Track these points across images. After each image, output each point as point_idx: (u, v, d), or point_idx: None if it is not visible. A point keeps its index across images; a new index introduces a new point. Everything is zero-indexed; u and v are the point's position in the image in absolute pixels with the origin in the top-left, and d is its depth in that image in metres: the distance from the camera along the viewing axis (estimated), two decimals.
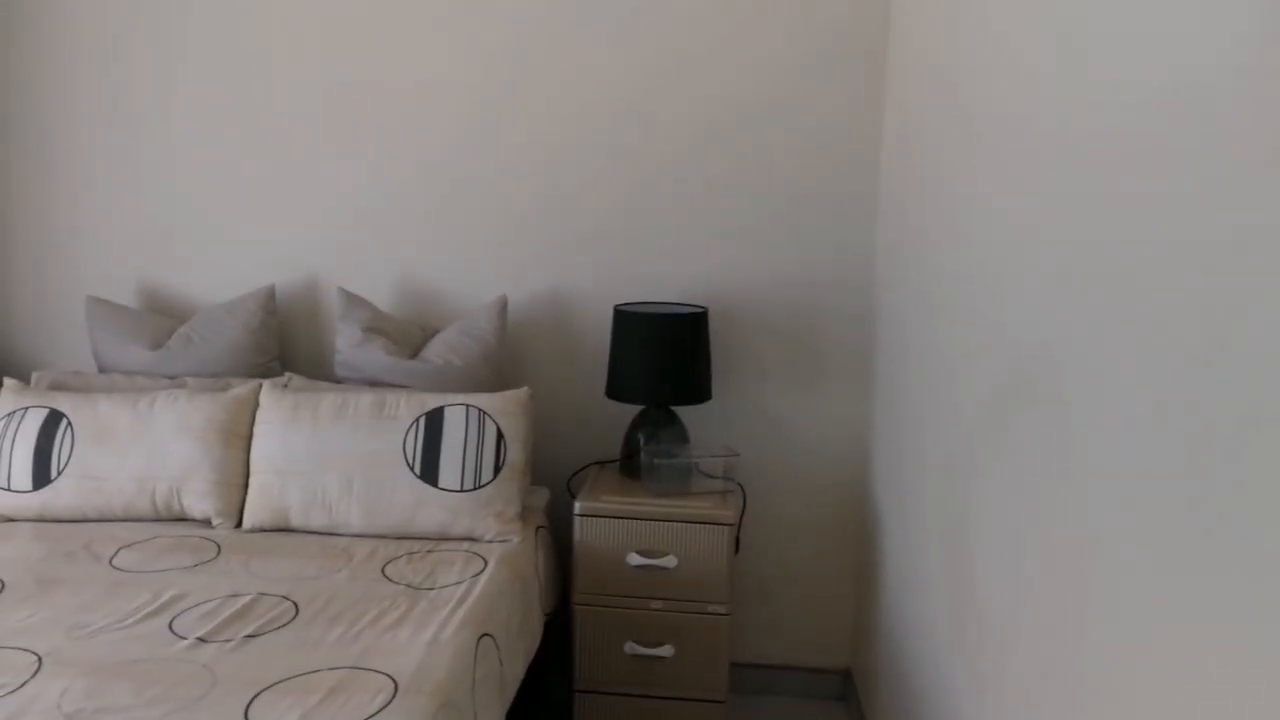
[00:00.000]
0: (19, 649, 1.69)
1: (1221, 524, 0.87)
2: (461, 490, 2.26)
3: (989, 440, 1.57)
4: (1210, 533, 0.89)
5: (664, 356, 2.43)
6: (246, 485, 2.33)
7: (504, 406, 2.36)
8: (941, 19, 1.99)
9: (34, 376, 2.53)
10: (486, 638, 1.89)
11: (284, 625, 1.82)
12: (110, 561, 2.09)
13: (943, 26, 1.98)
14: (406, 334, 2.58)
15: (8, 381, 2.47)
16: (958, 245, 1.80)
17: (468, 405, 2.34)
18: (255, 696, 1.57)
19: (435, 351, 2.53)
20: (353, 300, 2.59)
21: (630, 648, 2.38)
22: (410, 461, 2.27)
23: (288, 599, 1.93)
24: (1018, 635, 1.40)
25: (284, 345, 2.74)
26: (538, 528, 2.39)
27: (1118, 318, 1.10)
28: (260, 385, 2.44)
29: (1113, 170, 1.13)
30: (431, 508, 2.25)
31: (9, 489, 2.31)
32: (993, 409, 1.56)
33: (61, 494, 2.30)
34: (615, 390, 2.49)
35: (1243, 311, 0.85)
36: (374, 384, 2.51)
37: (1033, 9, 1.44)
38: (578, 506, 2.38)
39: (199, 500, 2.30)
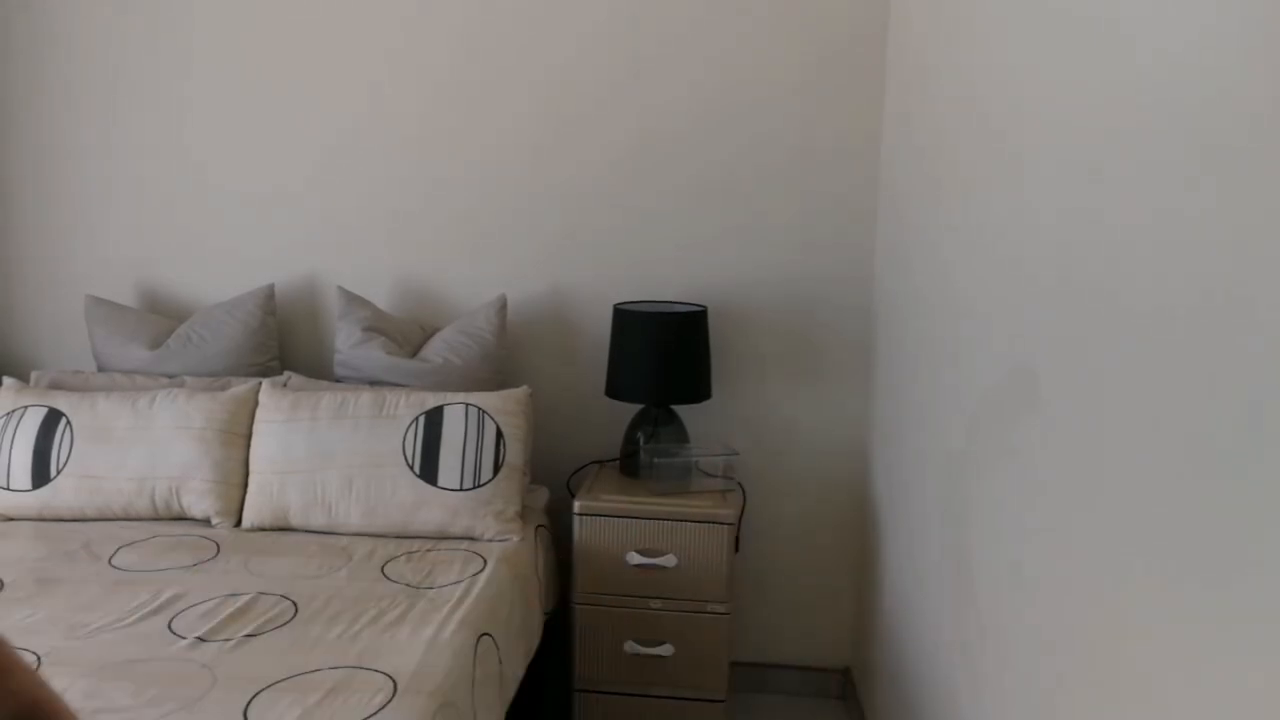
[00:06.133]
0: (18, 648, 1.69)
1: (1222, 524, 0.87)
2: (461, 489, 2.26)
3: (989, 439, 1.57)
4: (1210, 533, 0.89)
5: (663, 355, 2.43)
6: (246, 484, 2.33)
7: (503, 405, 2.36)
8: (940, 16, 1.99)
9: (33, 375, 2.53)
10: (486, 637, 1.89)
11: (283, 624, 1.82)
12: (110, 561, 2.09)
13: (941, 23, 1.97)
14: (406, 333, 2.58)
15: (7, 381, 2.47)
16: (957, 242, 1.80)
17: (467, 404, 2.34)
18: (254, 696, 1.57)
19: (435, 351, 2.53)
20: (352, 299, 2.59)
21: (630, 647, 2.38)
22: (410, 461, 2.27)
23: (287, 598, 1.93)
24: (1017, 634, 1.40)
25: (283, 344, 2.74)
26: (537, 527, 2.39)
27: (1119, 315, 1.10)
28: (260, 384, 2.44)
29: (1113, 164, 1.13)
30: (431, 507, 2.25)
31: (8, 488, 2.31)
32: (993, 408, 1.55)
33: (61, 493, 2.30)
34: (615, 389, 2.49)
35: (1242, 310, 0.84)
36: (373, 383, 2.51)
37: (1031, 5, 1.43)
38: (577, 505, 2.38)
39: (198, 499, 2.30)
